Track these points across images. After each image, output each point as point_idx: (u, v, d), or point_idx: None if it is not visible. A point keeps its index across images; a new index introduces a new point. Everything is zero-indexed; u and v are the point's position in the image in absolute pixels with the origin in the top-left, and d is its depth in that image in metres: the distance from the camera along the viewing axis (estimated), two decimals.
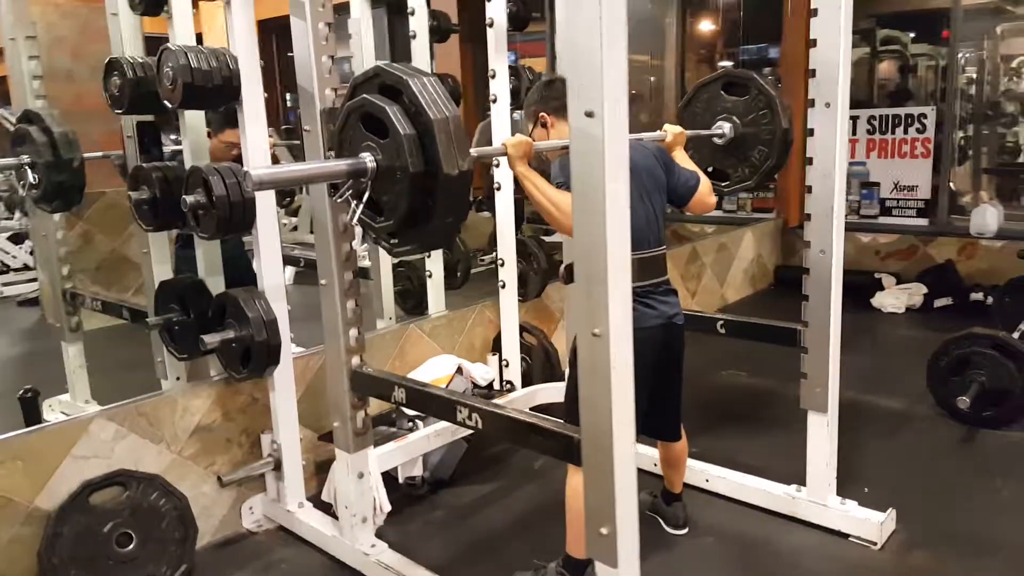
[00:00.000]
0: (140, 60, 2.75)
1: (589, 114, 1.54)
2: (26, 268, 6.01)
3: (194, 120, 2.94)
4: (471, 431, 2.26)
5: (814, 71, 2.44)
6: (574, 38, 1.52)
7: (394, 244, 1.87)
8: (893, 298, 5.83)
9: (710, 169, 2.98)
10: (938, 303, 5.77)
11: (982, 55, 6.62)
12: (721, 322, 2.98)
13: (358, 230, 2.32)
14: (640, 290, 2.31)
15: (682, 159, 2.63)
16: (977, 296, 5.62)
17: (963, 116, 6.45)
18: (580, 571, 2.39)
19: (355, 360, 2.49)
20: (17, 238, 6.12)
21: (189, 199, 2.50)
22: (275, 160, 3.70)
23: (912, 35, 6.96)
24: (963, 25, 6.15)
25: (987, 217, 5.73)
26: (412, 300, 4.09)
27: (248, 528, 2.97)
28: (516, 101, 3.62)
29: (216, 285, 3.02)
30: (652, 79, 8.01)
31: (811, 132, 2.49)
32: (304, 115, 2.36)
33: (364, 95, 1.77)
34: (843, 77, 2.40)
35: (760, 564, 2.66)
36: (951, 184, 6.34)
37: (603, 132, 1.52)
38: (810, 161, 2.51)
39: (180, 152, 2.97)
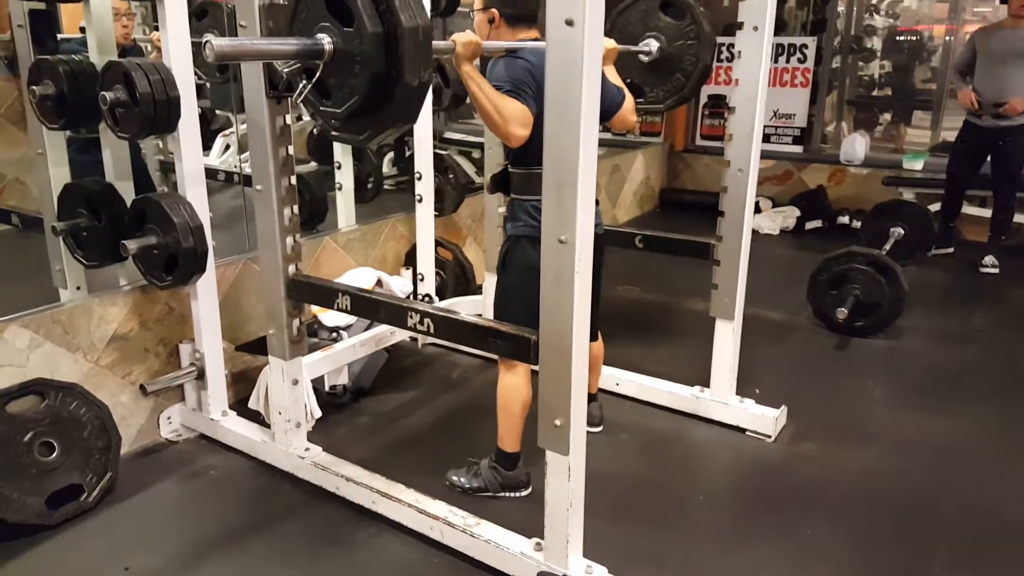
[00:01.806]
0: None
1: (569, 22, 1.58)
2: None
3: (100, 9, 2.74)
4: (399, 341, 2.30)
5: None
6: None
7: (337, 129, 1.83)
8: (769, 220, 6.25)
9: (628, 81, 2.98)
10: (809, 225, 6.23)
11: None
12: (639, 237, 3.13)
13: None
14: None
15: (611, 74, 2.63)
16: (843, 219, 6.12)
17: (833, 49, 6.83)
18: (512, 464, 2.53)
19: (291, 268, 2.46)
20: None
21: (109, 96, 2.37)
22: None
23: None
24: None
25: (856, 146, 6.18)
26: (304, 214, 4.00)
27: (167, 437, 2.93)
28: (436, 8, 3.56)
29: (126, 190, 2.88)
30: None
31: (738, 54, 2.61)
32: (240, 9, 2.25)
33: None
34: (771, 2, 2.52)
35: (670, 455, 2.89)
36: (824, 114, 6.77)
37: (583, 40, 1.58)
38: (735, 82, 2.64)
39: None
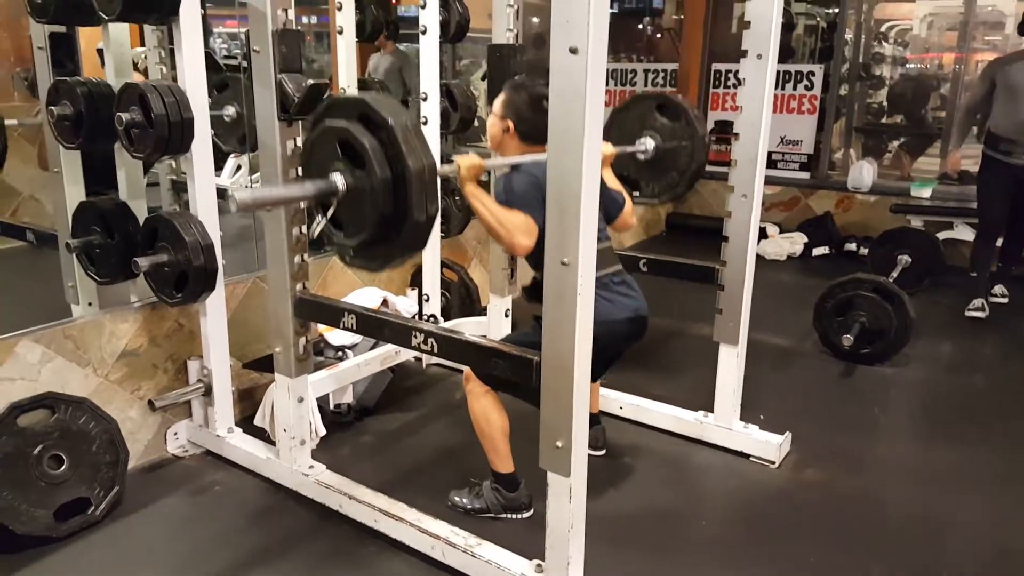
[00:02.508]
0: None
1: (573, 50, 1.62)
2: None
3: (118, 32, 2.81)
4: (403, 361, 2.32)
5: (748, 23, 2.59)
6: None
7: (350, 257, 1.96)
8: (776, 246, 6.27)
9: (625, 175, 3.12)
10: (816, 252, 6.25)
11: (859, 18, 7.04)
12: (643, 261, 3.15)
13: None
14: (598, 282, 2.40)
15: (608, 178, 2.71)
16: (851, 246, 6.13)
17: (841, 76, 6.88)
18: (513, 485, 2.55)
19: (299, 286, 2.50)
20: None
21: (124, 117, 2.42)
22: None
23: None
24: None
25: (863, 173, 6.20)
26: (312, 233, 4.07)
27: (173, 453, 2.95)
28: (445, 34, 3.62)
29: (139, 208, 2.93)
30: (537, 19, 8.06)
31: (742, 82, 2.65)
32: (254, 35, 2.31)
33: (347, 125, 1.79)
34: (775, 30, 2.56)
35: (673, 480, 2.90)
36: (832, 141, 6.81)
37: (586, 68, 1.61)
38: (739, 109, 2.68)
39: None
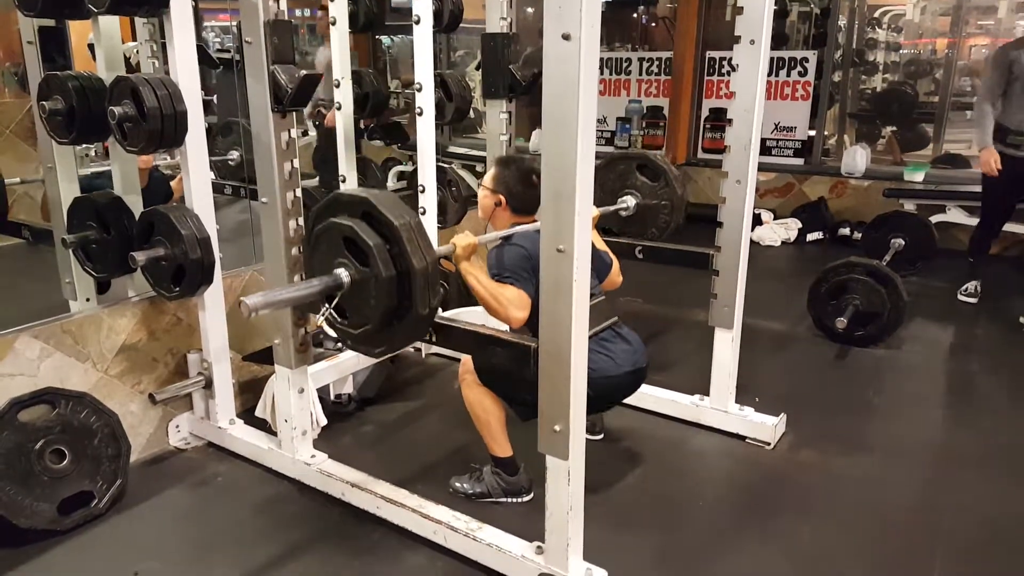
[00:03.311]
0: None
1: (566, 37, 1.63)
2: None
3: (108, 26, 2.81)
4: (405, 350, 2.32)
5: (742, 8, 2.60)
6: None
7: (351, 343, 2.04)
8: (770, 232, 6.30)
9: (608, 228, 3.27)
10: (810, 237, 6.28)
11: (853, 4, 7.05)
12: (639, 248, 3.17)
13: None
14: (597, 337, 2.46)
15: (596, 240, 2.78)
16: (844, 231, 6.16)
17: (835, 62, 6.89)
18: (512, 469, 2.58)
19: (296, 278, 2.51)
20: None
21: (117, 110, 2.42)
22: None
23: None
24: None
25: (857, 158, 6.22)
26: (308, 227, 4.09)
27: (176, 445, 2.97)
28: (438, 24, 3.63)
29: (134, 203, 2.94)
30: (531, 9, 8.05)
31: (735, 68, 2.66)
32: (246, 26, 2.31)
33: (351, 223, 1.85)
34: (767, 16, 2.57)
35: (670, 462, 2.93)
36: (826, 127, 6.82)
37: (579, 55, 1.63)
38: (731, 96, 2.69)
39: None
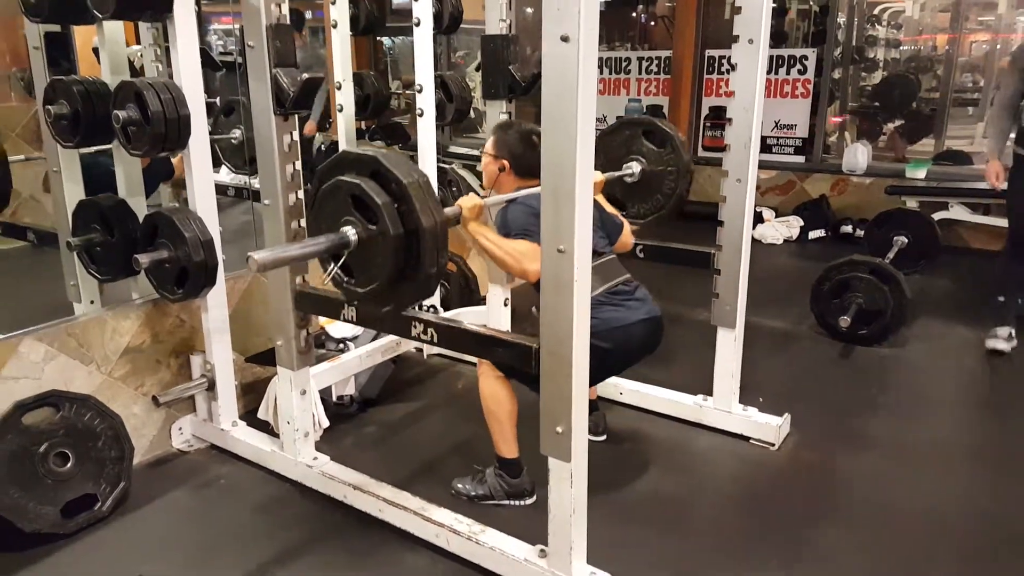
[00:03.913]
0: None
1: (564, 38, 1.64)
2: None
3: (113, 31, 2.82)
4: (404, 351, 2.32)
5: (740, 8, 2.60)
6: None
7: (358, 303, 2.04)
8: (772, 230, 6.30)
9: (613, 195, 3.18)
10: (812, 235, 6.28)
11: (852, 1, 7.03)
12: (640, 247, 3.17)
13: None
14: (607, 292, 2.48)
15: (604, 203, 2.79)
16: (847, 229, 6.15)
17: (834, 59, 6.88)
18: (516, 471, 2.57)
19: (299, 280, 2.52)
20: None
21: (121, 114, 2.43)
22: None
23: None
24: None
25: (858, 155, 6.22)
26: None
27: (179, 448, 2.98)
28: (438, 25, 3.63)
29: (138, 205, 2.95)
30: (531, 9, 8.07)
31: (734, 67, 2.66)
32: (248, 30, 2.32)
33: (360, 181, 1.82)
34: (765, 15, 2.58)
35: (673, 464, 2.92)
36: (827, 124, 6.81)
37: (578, 56, 1.63)
38: (731, 95, 2.69)
39: None
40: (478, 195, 2.47)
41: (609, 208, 2.81)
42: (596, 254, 2.27)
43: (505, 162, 2.58)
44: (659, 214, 3.23)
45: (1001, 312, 3.90)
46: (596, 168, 2.91)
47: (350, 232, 1.84)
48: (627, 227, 2.79)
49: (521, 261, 2.28)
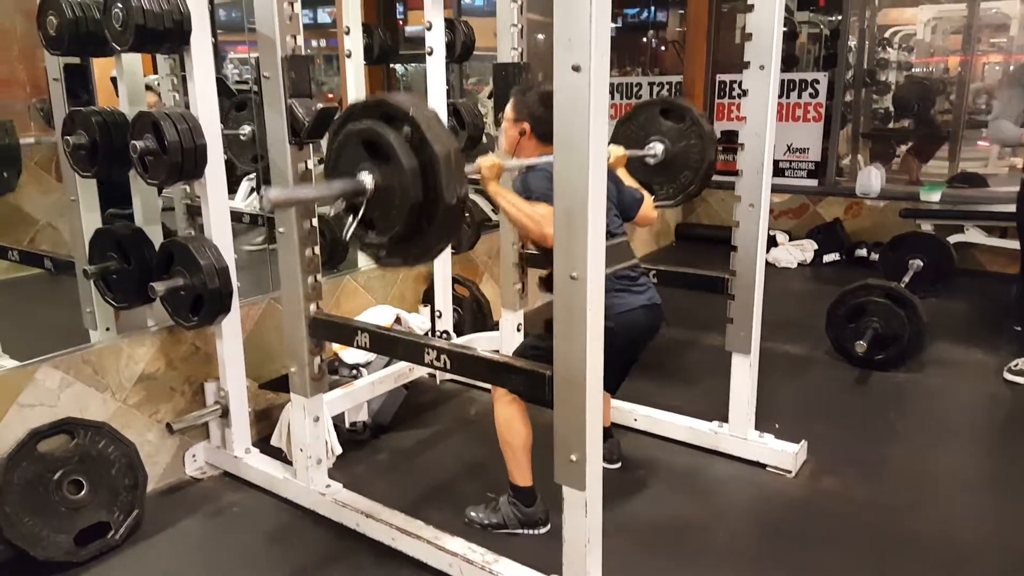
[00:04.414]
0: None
1: (576, 68, 1.65)
2: None
3: (131, 62, 2.86)
4: (417, 377, 2.31)
5: (750, 35, 2.61)
6: None
7: (383, 256, 1.95)
8: (786, 253, 6.27)
9: (637, 180, 3.08)
10: (827, 258, 6.24)
11: (863, 25, 7.06)
12: (653, 272, 3.16)
13: None
14: (613, 276, 2.46)
15: (625, 177, 2.79)
16: (861, 252, 6.12)
17: (846, 83, 6.89)
18: (530, 500, 2.55)
19: (312, 307, 2.53)
20: None
21: (139, 144, 2.46)
22: None
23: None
24: None
25: (871, 179, 6.20)
26: (325, 254, 4.08)
27: (192, 475, 2.98)
28: (451, 54, 3.67)
29: (154, 234, 2.97)
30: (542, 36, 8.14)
31: (745, 92, 2.67)
32: (264, 61, 2.35)
33: (369, 122, 1.81)
34: (776, 41, 2.58)
35: (689, 491, 2.90)
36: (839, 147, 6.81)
37: (589, 85, 1.64)
38: (744, 120, 2.70)
39: None
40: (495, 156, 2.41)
41: (630, 181, 2.76)
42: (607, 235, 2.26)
43: (526, 125, 2.50)
44: (687, 192, 3.19)
45: (1018, 342, 3.86)
46: (620, 142, 2.89)
47: (365, 176, 1.82)
48: (648, 201, 2.73)
49: (542, 224, 2.21)
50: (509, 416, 2.47)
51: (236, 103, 3.76)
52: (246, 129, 3.65)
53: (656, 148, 3.13)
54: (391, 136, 1.75)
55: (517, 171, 2.55)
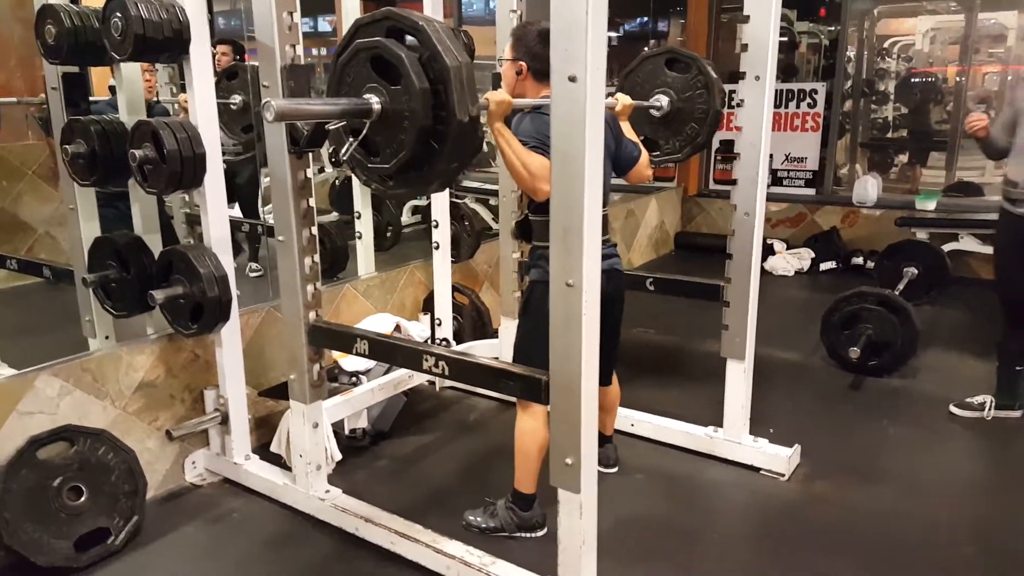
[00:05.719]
0: (77, 9, 2.67)
1: (572, 78, 1.67)
2: None
3: (130, 72, 2.89)
4: (417, 384, 2.32)
5: (746, 45, 2.64)
6: (561, 8, 1.65)
7: (388, 186, 1.87)
8: (784, 262, 6.30)
9: (642, 138, 3.08)
10: (823, 267, 6.28)
11: (861, 35, 7.11)
12: (650, 280, 3.19)
13: None
14: None
15: (627, 129, 2.75)
16: (858, 260, 6.16)
17: (844, 92, 6.93)
18: (528, 505, 2.57)
19: (312, 315, 2.55)
20: None
21: (138, 153, 2.49)
22: None
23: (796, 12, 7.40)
24: (848, 6, 6.62)
25: (868, 188, 6.22)
26: (325, 262, 4.10)
27: (192, 482, 2.99)
28: None
29: (154, 242, 2.99)
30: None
31: (741, 103, 2.70)
32: (263, 70, 2.38)
33: (378, 38, 1.75)
34: (772, 53, 2.62)
35: (684, 495, 2.92)
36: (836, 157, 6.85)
37: (585, 96, 1.67)
38: (739, 130, 2.73)
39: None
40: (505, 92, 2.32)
41: (631, 135, 2.72)
42: None
43: (523, 64, 2.42)
44: (695, 144, 3.15)
45: (1006, 383, 3.50)
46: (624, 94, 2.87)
47: (372, 98, 1.76)
48: (644, 157, 2.69)
49: (535, 178, 2.18)
50: (534, 427, 2.46)
51: (227, 72, 3.73)
52: (236, 99, 3.62)
53: (661, 100, 3.09)
54: (403, 54, 1.68)
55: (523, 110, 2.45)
